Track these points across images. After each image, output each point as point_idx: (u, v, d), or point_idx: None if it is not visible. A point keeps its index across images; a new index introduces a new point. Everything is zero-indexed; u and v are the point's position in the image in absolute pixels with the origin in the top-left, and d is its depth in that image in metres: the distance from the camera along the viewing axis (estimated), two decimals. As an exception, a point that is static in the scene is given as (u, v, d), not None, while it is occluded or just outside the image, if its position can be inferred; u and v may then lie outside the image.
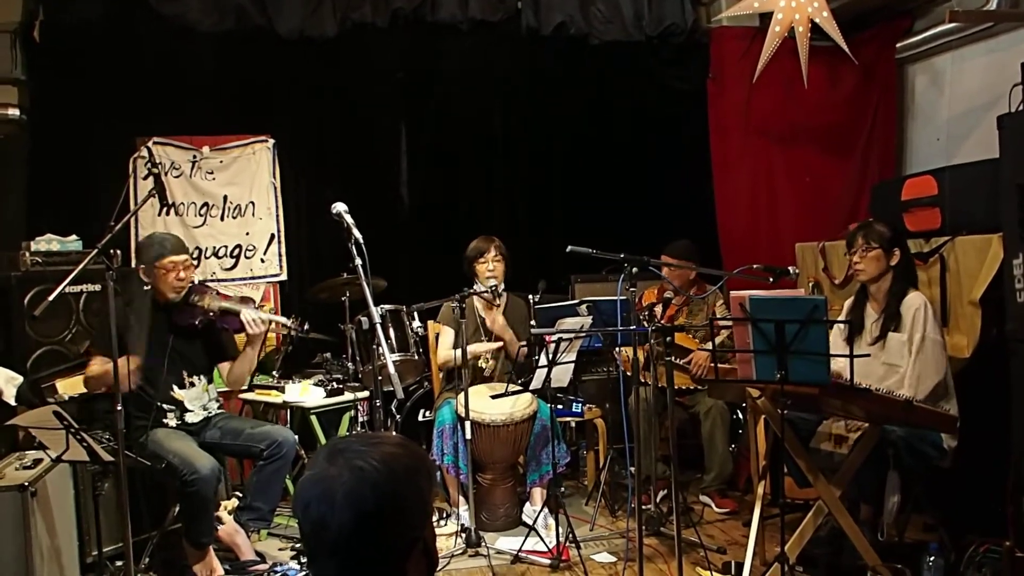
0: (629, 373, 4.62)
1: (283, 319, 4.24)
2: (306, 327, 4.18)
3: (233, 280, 5.71)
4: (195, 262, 5.44)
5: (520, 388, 4.46)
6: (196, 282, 4.18)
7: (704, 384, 4.74)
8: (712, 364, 3.78)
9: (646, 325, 3.94)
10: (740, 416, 5.13)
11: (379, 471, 1.42)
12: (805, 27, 5.16)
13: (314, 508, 1.41)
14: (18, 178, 5.16)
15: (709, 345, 4.53)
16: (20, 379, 4.23)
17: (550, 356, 4.12)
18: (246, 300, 4.44)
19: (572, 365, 4.34)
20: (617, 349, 4.81)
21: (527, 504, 4.72)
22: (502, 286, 4.86)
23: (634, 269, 3.91)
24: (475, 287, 4.82)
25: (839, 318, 4.14)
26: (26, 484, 3.40)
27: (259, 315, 4.12)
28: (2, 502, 3.37)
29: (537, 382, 4.22)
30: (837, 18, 5.19)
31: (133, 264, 4.57)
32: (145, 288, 4.06)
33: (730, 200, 5.91)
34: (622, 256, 3.87)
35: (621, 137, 6.20)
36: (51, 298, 3.35)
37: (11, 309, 4.45)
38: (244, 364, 4.34)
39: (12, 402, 4.13)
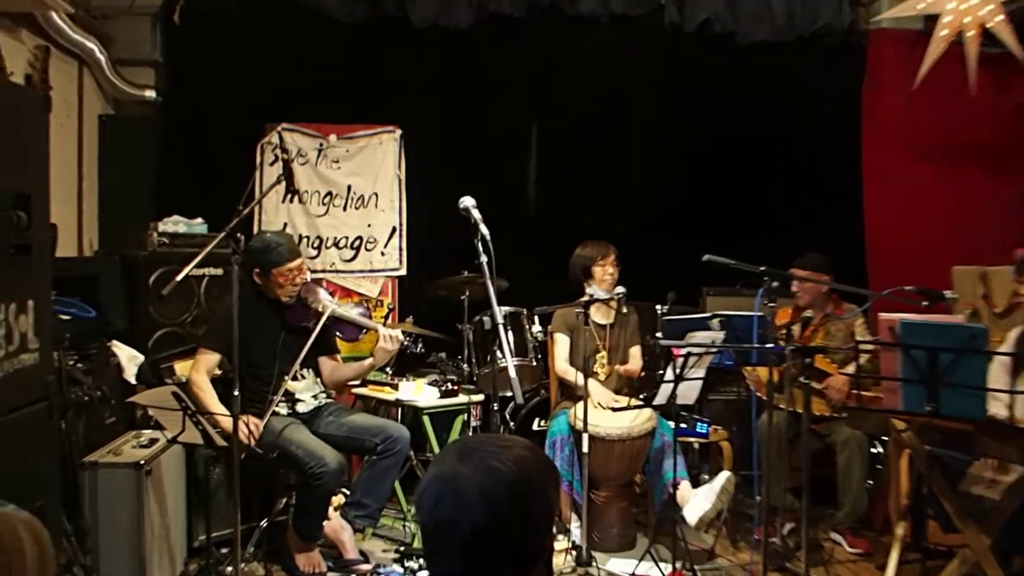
0: (759, 394, 4.36)
1: (403, 337, 4.13)
2: (420, 348, 4.15)
3: (352, 272, 5.69)
4: (311, 256, 5.44)
5: (642, 403, 4.23)
6: (309, 278, 4.15)
7: (843, 412, 4.41)
8: (852, 390, 3.51)
9: (783, 344, 3.67)
10: (880, 449, 4.75)
11: (513, 472, 1.42)
12: (976, 32, 4.80)
13: (445, 506, 1.40)
14: (150, 158, 5.26)
15: (849, 369, 4.24)
16: (141, 358, 4.30)
17: (677, 371, 3.87)
18: (362, 303, 4.40)
19: (700, 382, 4.05)
20: (752, 369, 4.52)
21: (686, 499, 4.30)
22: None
23: (774, 283, 3.66)
24: (593, 292, 4.61)
25: (1002, 349, 3.78)
26: (142, 462, 3.48)
27: (395, 332, 4.07)
28: (118, 478, 3.47)
29: (662, 398, 3.97)
30: (1013, 22, 4.79)
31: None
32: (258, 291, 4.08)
33: (881, 214, 5.60)
34: (762, 269, 3.64)
35: (762, 142, 5.88)
36: (179, 279, 3.37)
37: (137, 288, 4.51)
38: (353, 372, 4.34)
39: (132, 380, 4.20)
